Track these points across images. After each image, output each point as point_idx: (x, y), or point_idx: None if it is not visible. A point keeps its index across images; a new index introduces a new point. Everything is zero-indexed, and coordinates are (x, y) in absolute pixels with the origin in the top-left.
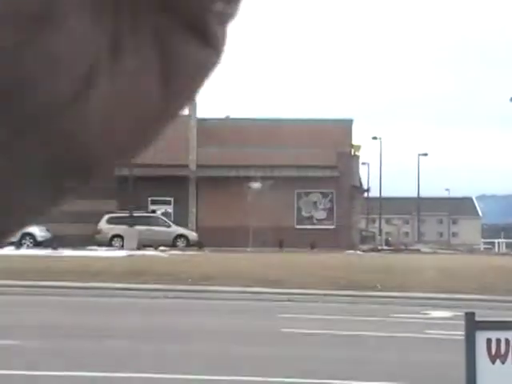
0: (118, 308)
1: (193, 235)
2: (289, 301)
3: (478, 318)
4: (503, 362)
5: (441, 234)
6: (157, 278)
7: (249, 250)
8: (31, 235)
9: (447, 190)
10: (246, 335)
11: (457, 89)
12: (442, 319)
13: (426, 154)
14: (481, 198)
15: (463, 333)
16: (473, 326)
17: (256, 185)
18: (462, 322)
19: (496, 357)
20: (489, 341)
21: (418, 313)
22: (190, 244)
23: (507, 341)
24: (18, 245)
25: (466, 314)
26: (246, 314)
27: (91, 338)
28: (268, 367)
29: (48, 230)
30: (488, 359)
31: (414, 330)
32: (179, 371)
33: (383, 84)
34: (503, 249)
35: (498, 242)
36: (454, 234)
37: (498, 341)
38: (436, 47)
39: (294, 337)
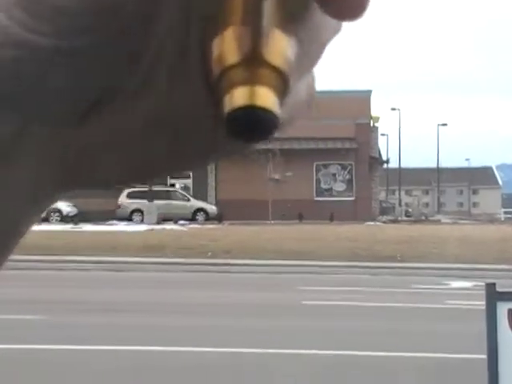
0: (137, 282)
1: (212, 209)
2: (310, 273)
3: (498, 289)
4: None
5: (461, 204)
6: (176, 252)
7: (269, 222)
8: (58, 210)
9: (467, 159)
10: (268, 308)
11: (476, 58)
12: (463, 289)
13: (445, 124)
14: (501, 167)
15: (484, 303)
16: (493, 296)
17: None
18: (483, 292)
19: None
20: (510, 311)
21: (439, 283)
22: (209, 218)
23: None
24: (45, 220)
25: (487, 284)
26: (266, 287)
27: (103, 312)
28: (295, 339)
29: (75, 206)
30: (509, 329)
31: (436, 301)
32: (207, 344)
33: (402, 55)
34: None
35: None
36: (475, 204)
37: None
38: (458, 17)
39: (317, 309)
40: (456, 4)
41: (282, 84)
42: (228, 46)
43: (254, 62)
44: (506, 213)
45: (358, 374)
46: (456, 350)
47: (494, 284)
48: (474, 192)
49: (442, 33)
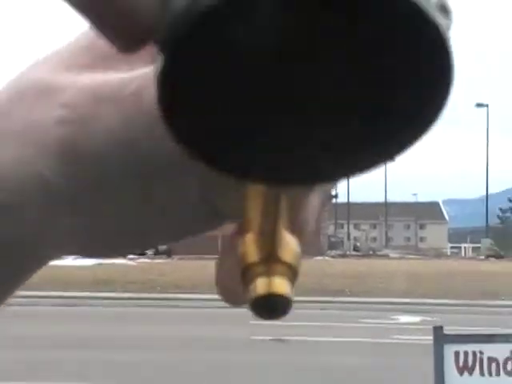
0: (86, 317)
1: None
2: None
3: (446, 331)
4: (470, 374)
5: (408, 239)
6: (126, 287)
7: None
8: None
9: (414, 194)
10: (216, 342)
11: None
12: (411, 324)
13: (393, 160)
14: (447, 202)
15: (431, 338)
16: (441, 339)
17: None
18: (430, 327)
19: (464, 369)
20: (457, 353)
21: (387, 318)
22: (158, 252)
23: (474, 353)
24: None
25: (434, 328)
26: (216, 321)
27: (51, 347)
28: (241, 374)
29: None
30: (456, 371)
31: (383, 336)
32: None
33: None
34: (469, 253)
35: (465, 247)
36: (422, 239)
37: (466, 353)
38: None
39: (266, 344)
40: None
41: (294, 274)
42: (249, 249)
43: (271, 260)
44: (452, 248)
45: None
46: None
47: (441, 327)
48: (421, 227)
49: None
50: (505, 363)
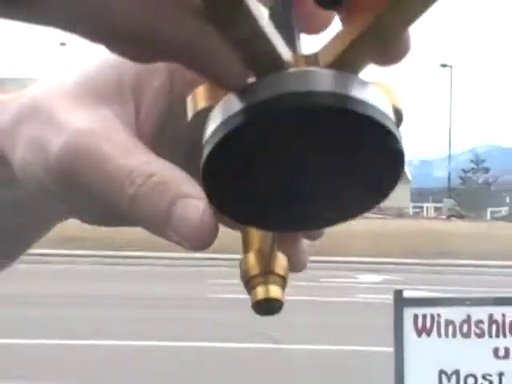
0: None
1: None
2: (219, 266)
3: (407, 291)
4: (428, 335)
5: None
6: (83, 244)
7: None
8: None
9: None
10: (173, 300)
11: None
12: (372, 283)
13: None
14: (410, 161)
15: (391, 297)
16: (401, 302)
17: None
18: (391, 286)
19: (422, 330)
20: (415, 316)
21: (348, 277)
22: None
23: (432, 316)
24: None
25: (395, 291)
26: (174, 279)
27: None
28: (194, 331)
29: None
30: (414, 333)
31: (344, 294)
32: (103, 336)
33: None
34: (431, 213)
35: (427, 207)
36: None
37: (424, 316)
38: None
39: (222, 302)
40: None
41: (284, 283)
42: (250, 264)
43: (267, 273)
44: (414, 207)
45: (251, 365)
46: (365, 342)
47: (401, 291)
48: None
49: None
50: (461, 326)
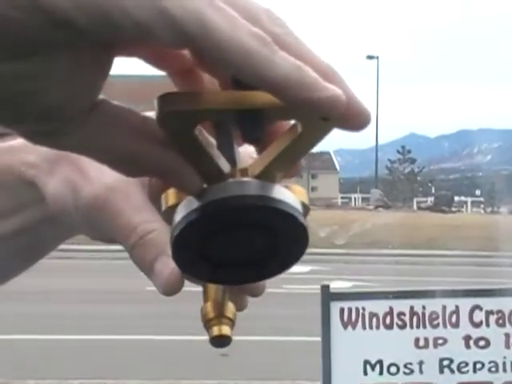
0: None
1: None
2: None
3: (334, 283)
4: (354, 328)
5: None
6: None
7: None
8: None
9: None
10: (111, 294)
11: None
12: (300, 274)
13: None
14: (339, 152)
15: (319, 287)
16: (328, 297)
17: None
18: (319, 276)
19: (348, 323)
20: (342, 309)
21: None
22: None
23: (357, 309)
24: None
25: (322, 286)
26: (112, 273)
27: None
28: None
29: None
30: (341, 325)
31: (272, 285)
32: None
33: None
34: (359, 203)
35: (355, 197)
36: (313, 189)
37: (350, 309)
38: None
39: (158, 295)
40: None
41: (233, 324)
42: (208, 310)
43: (220, 317)
44: (342, 198)
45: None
46: (294, 332)
47: (328, 286)
48: (313, 177)
49: None
50: (384, 318)
